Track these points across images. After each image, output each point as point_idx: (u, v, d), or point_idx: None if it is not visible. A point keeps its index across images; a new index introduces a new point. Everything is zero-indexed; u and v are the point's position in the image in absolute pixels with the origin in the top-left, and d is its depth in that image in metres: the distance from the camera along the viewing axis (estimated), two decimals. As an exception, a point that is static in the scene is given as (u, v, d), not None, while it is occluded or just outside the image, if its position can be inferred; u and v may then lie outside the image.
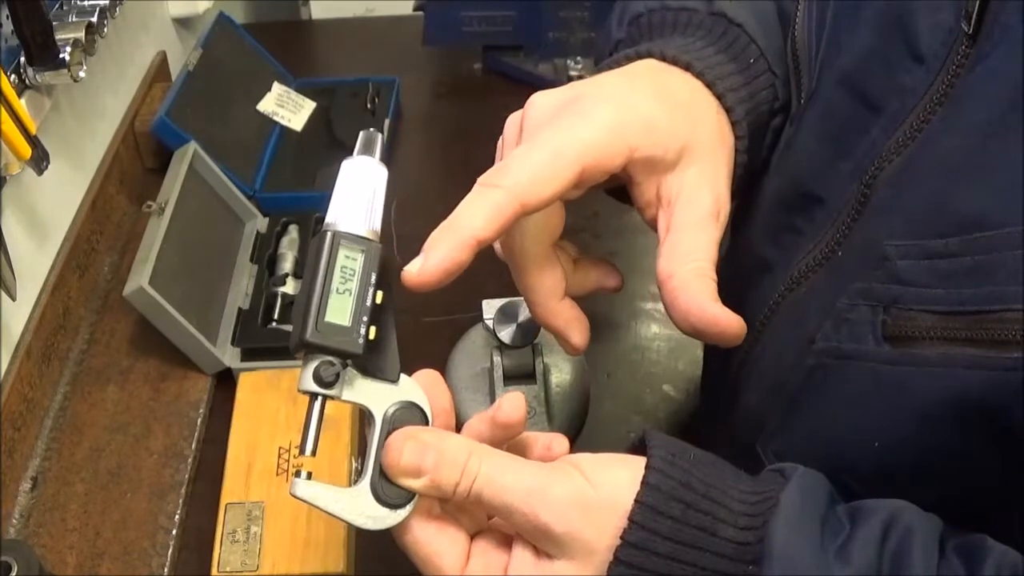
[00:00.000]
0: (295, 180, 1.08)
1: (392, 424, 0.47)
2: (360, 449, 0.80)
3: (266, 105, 1.14)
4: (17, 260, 0.75)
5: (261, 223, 1.00)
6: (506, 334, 0.74)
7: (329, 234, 0.46)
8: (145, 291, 0.80)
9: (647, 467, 0.45)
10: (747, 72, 0.57)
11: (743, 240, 0.60)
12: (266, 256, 0.95)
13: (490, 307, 0.76)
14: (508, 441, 0.50)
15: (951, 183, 0.43)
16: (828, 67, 0.52)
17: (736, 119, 0.55)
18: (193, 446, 0.82)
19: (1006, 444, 0.42)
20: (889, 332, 0.45)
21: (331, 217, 0.47)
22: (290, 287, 0.92)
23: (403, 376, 0.48)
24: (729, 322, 0.49)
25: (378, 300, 0.46)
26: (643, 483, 0.44)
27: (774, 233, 0.56)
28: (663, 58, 0.56)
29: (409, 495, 0.46)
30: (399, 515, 0.46)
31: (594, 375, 0.84)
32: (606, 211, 1.01)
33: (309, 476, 0.45)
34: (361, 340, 0.45)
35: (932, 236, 0.43)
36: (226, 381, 0.87)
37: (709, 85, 0.55)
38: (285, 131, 1.14)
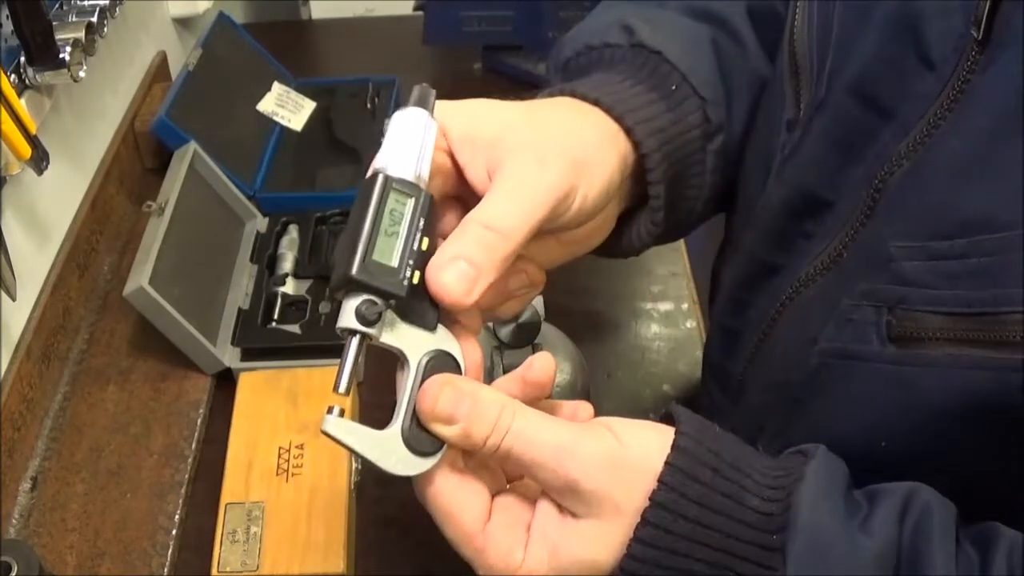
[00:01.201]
0: (295, 180, 1.08)
1: (427, 372, 0.46)
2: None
3: (266, 105, 1.14)
4: (17, 260, 0.75)
5: (261, 223, 1.00)
6: (506, 334, 0.74)
7: (381, 176, 0.46)
8: (145, 291, 0.80)
9: (677, 432, 0.45)
10: (669, 99, 0.57)
11: (749, 246, 0.60)
12: (266, 256, 0.95)
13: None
14: (536, 403, 0.49)
15: (958, 186, 0.44)
16: (837, 74, 0.52)
17: (646, 151, 0.55)
18: (193, 446, 0.82)
19: (1013, 441, 0.42)
20: (894, 333, 0.45)
21: (380, 162, 0.47)
22: (290, 287, 0.92)
23: (440, 326, 0.47)
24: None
25: (424, 247, 0.46)
26: (674, 446, 0.45)
27: (783, 238, 0.56)
28: (573, 94, 0.55)
29: (438, 444, 0.46)
30: (427, 463, 0.46)
31: (594, 375, 0.84)
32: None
33: (341, 413, 0.45)
34: (406, 283, 0.45)
35: (938, 238, 0.44)
36: (226, 381, 0.87)
37: (618, 119, 0.54)
38: (285, 131, 1.14)
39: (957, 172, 0.44)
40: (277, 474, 0.76)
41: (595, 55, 0.61)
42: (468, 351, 0.48)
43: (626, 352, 0.91)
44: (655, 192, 0.56)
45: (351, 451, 0.45)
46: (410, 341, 0.46)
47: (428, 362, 0.46)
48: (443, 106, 0.51)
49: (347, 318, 0.45)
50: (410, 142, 0.47)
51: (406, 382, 0.46)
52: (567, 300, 0.93)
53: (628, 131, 0.54)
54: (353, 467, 0.77)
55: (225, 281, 0.93)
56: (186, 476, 0.80)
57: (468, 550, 0.46)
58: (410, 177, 0.47)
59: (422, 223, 0.46)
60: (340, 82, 1.21)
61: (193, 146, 0.97)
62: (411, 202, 0.46)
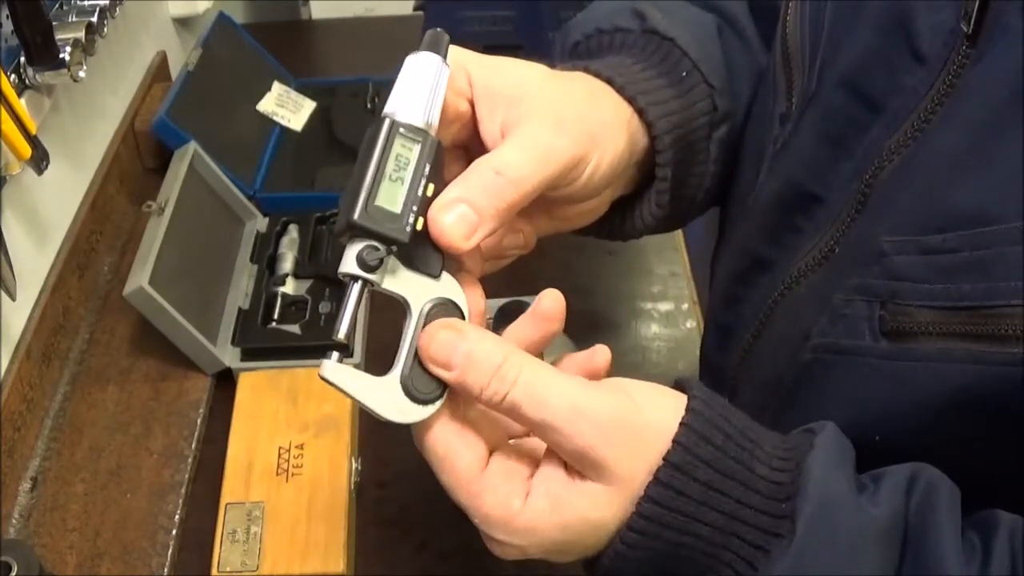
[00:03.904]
0: (295, 180, 1.08)
1: (429, 319, 0.46)
2: (360, 450, 0.80)
3: (266, 105, 1.14)
4: (17, 260, 0.75)
5: (261, 223, 1.00)
6: (506, 334, 0.74)
7: (387, 121, 0.45)
8: (145, 291, 0.80)
9: (690, 397, 0.45)
10: (679, 86, 0.57)
11: (742, 240, 0.60)
12: (266, 256, 0.95)
13: (490, 307, 0.76)
14: (551, 339, 0.49)
15: (949, 179, 0.44)
16: (828, 68, 0.52)
17: (656, 133, 0.55)
18: (193, 446, 0.82)
19: (1007, 434, 0.42)
20: (887, 327, 0.45)
21: (390, 107, 0.46)
22: (290, 287, 0.92)
23: (444, 273, 0.47)
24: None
25: (429, 193, 0.45)
26: (688, 409, 0.45)
27: (774, 233, 0.56)
28: (586, 71, 0.56)
29: (438, 393, 0.45)
30: (425, 411, 0.45)
31: (594, 375, 0.84)
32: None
33: (341, 359, 0.44)
34: (408, 228, 0.44)
35: (930, 231, 0.44)
36: (226, 381, 0.87)
37: (630, 100, 0.55)
38: (285, 131, 1.14)
39: (948, 166, 0.44)
40: (277, 474, 0.76)
41: (605, 39, 0.61)
42: (472, 298, 0.48)
43: (626, 352, 0.91)
44: (663, 174, 0.56)
45: (349, 397, 0.44)
46: (413, 288, 0.46)
47: (431, 309, 0.46)
48: (469, 56, 0.51)
49: (348, 263, 0.44)
50: (421, 87, 0.47)
51: (407, 329, 0.46)
52: (567, 300, 0.93)
53: (640, 112, 0.55)
54: (353, 467, 0.77)
55: (225, 281, 0.93)
56: (186, 476, 0.80)
57: (463, 496, 0.45)
58: (419, 123, 0.46)
59: (428, 169, 0.45)
60: (340, 82, 1.20)
61: (193, 146, 0.97)
62: (418, 148, 0.45)
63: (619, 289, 0.98)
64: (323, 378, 0.44)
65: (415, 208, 0.45)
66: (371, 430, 0.82)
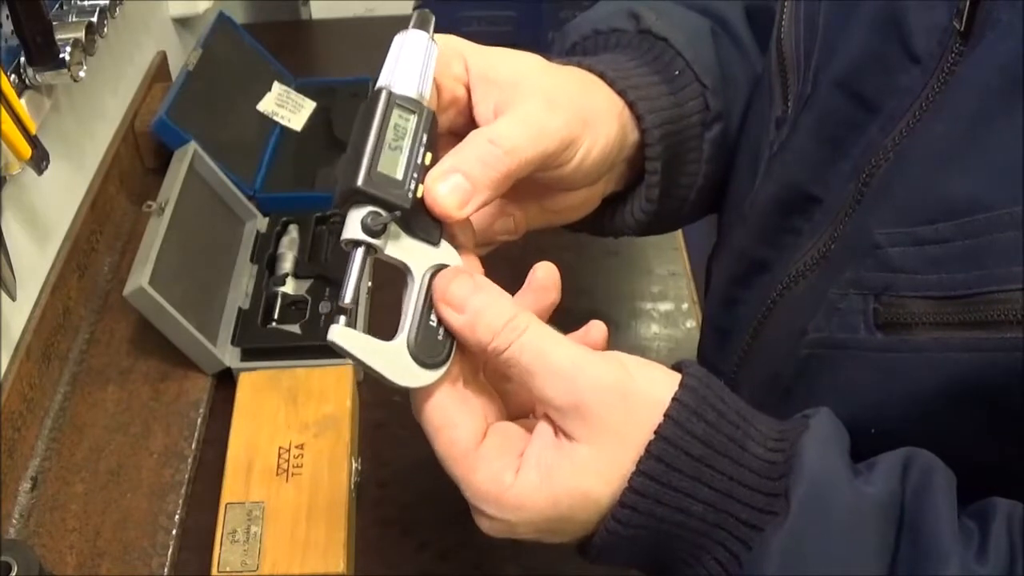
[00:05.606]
0: (295, 180, 1.08)
1: (431, 285, 0.46)
2: (360, 450, 0.80)
3: (266, 105, 1.14)
4: (17, 260, 0.75)
5: (261, 223, 1.00)
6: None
7: (385, 92, 0.46)
8: (145, 291, 0.81)
9: (684, 374, 0.46)
10: (672, 84, 0.58)
11: (739, 243, 0.60)
12: (266, 256, 0.96)
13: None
14: (550, 311, 0.49)
15: (941, 170, 0.44)
16: (823, 71, 0.53)
17: (646, 127, 0.56)
18: (193, 446, 0.82)
19: (1002, 423, 0.42)
20: (881, 320, 0.46)
21: (384, 80, 0.47)
22: (290, 287, 0.92)
23: (443, 242, 0.47)
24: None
25: (427, 161, 0.46)
26: (681, 384, 0.45)
27: (772, 235, 0.57)
28: (579, 65, 0.57)
29: (443, 357, 0.45)
30: (431, 376, 0.45)
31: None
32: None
33: (347, 324, 0.44)
34: (410, 195, 0.45)
35: (922, 223, 0.44)
36: (226, 381, 0.87)
37: (621, 93, 0.56)
38: (285, 131, 1.14)
39: (941, 157, 0.44)
40: (277, 474, 0.76)
41: (601, 40, 0.62)
42: (468, 267, 0.48)
43: (626, 352, 0.91)
44: (652, 168, 0.57)
45: (356, 361, 0.44)
46: (414, 255, 0.46)
47: (432, 276, 0.46)
48: (466, 44, 0.52)
49: (352, 229, 0.44)
50: (412, 62, 0.48)
51: (410, 295, 0.46)
52: (567, 300, 0.92)
53: (630, 105, 0.56)
54: (353, 467, 0.77)
55: (225, 281, 0.93)
56: (186, 476, 0.80)
57: (457, 470, 0.45)
58: (413, 94, 0.47)
59: (425, 138, 0.46)
60: (340, 82, 1.21)
61: (193, 146, 0.97)
62: (414, 118, 0.46)
63: (619, 289, 0.98)
64: (330, 342, 0.44)
65: (415, 175, 0.45)
66: (371, 430, 0.82)
